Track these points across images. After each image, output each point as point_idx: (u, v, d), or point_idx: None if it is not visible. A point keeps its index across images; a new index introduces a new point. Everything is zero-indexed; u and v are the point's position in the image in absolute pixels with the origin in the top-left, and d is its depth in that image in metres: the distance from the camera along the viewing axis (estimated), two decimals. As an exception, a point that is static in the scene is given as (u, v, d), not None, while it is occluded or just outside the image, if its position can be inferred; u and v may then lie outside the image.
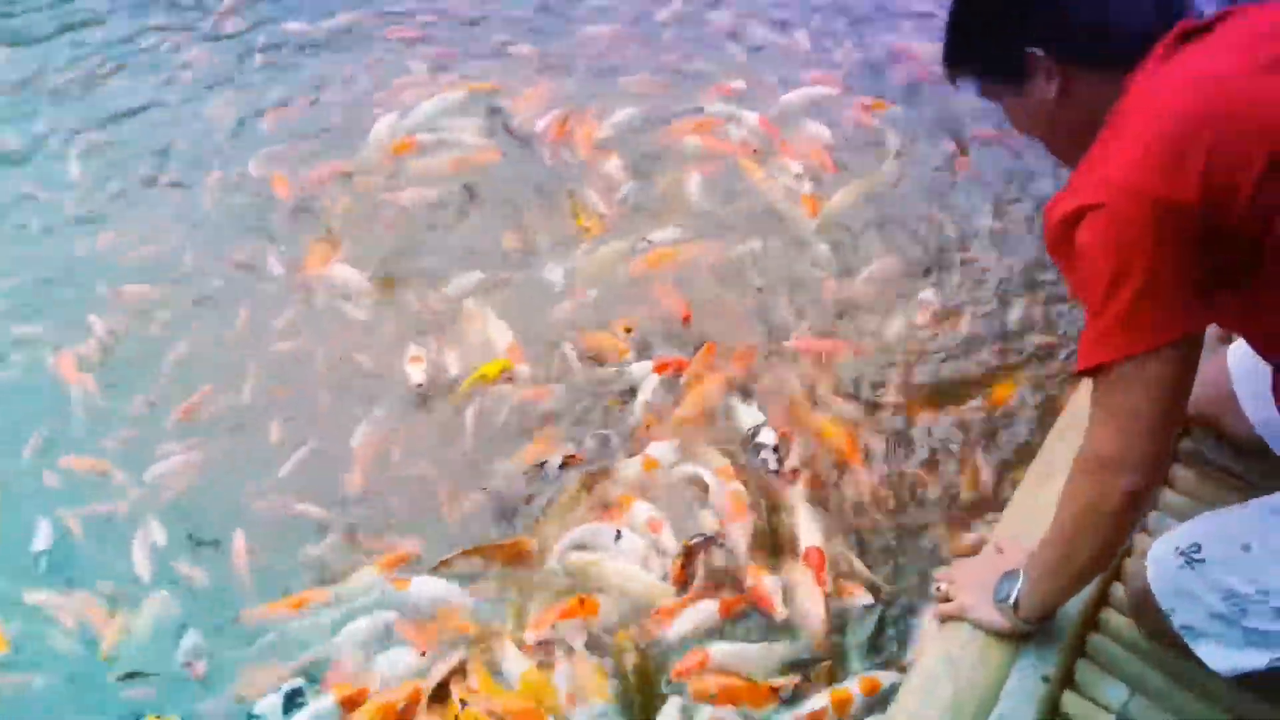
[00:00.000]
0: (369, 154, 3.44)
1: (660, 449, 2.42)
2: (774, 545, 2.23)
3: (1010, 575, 1.58)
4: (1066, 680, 1.61)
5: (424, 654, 2.07)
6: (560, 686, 2.00)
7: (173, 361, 2.80)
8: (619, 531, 2.26)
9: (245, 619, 2.21)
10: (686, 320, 2.76)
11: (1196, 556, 1.41)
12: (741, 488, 2.31)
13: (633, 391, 2.60)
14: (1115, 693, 1.60)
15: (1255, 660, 1.40)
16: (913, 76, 3.66)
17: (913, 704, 1.58)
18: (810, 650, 2.04)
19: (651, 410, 2.54)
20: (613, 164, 3.32)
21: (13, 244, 3.24)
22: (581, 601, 2.11)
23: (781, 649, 2.04)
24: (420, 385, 2.62)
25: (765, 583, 2.12)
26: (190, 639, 2.17)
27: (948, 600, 1.68)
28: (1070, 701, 1.60)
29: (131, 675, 2.12)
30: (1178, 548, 1.44)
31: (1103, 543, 1.40)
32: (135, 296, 2.99)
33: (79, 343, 2.85)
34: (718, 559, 2.19)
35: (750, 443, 2.43)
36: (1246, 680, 1.43)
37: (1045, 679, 1.59)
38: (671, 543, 2.22)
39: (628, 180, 3.26)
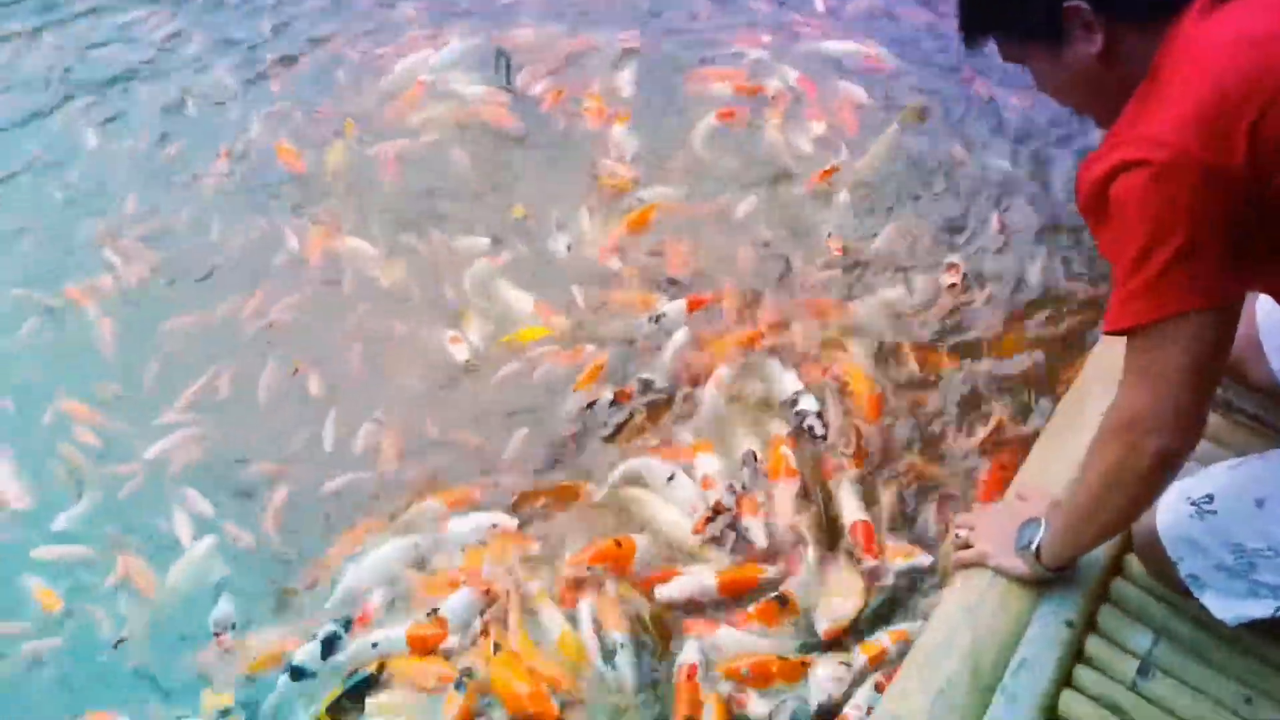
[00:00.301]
0: (375, 112, 3.45)
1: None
2: (825, 523, 2.19)
3: (1032, 522, 1.56)
4: (1090, 625, 1.60)
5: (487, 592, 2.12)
6: (584, 617, 2.04)
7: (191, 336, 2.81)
8: (673, 474, 2.27)
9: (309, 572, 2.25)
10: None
11: (1208, 508, 1.39)
12: (790, 453, 2.29)
13: (667, 334, 2.63)
14: (1140, 638, 1.58)
15: (1260, 609, 1.39)
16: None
17: (931, 651, 1.57)
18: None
19: (689, 349, 2.58)
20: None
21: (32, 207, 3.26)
22: (619, 544, 2.13)
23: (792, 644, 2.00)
24: (467, 360, 2.64)
25: (793, 583, 2.07)
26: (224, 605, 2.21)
27: (967, 547, 1.67)
28: (1094, 646, 1.58)
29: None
30: (1190, 497, 1.42)
31: (1130, 501, 1.37)
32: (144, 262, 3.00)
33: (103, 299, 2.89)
34: (757, 534, 2.15)
35: (792, 410, 2.40)
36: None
37: (1069, 624, 1.57)
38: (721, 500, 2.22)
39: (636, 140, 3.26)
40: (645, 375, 2.53)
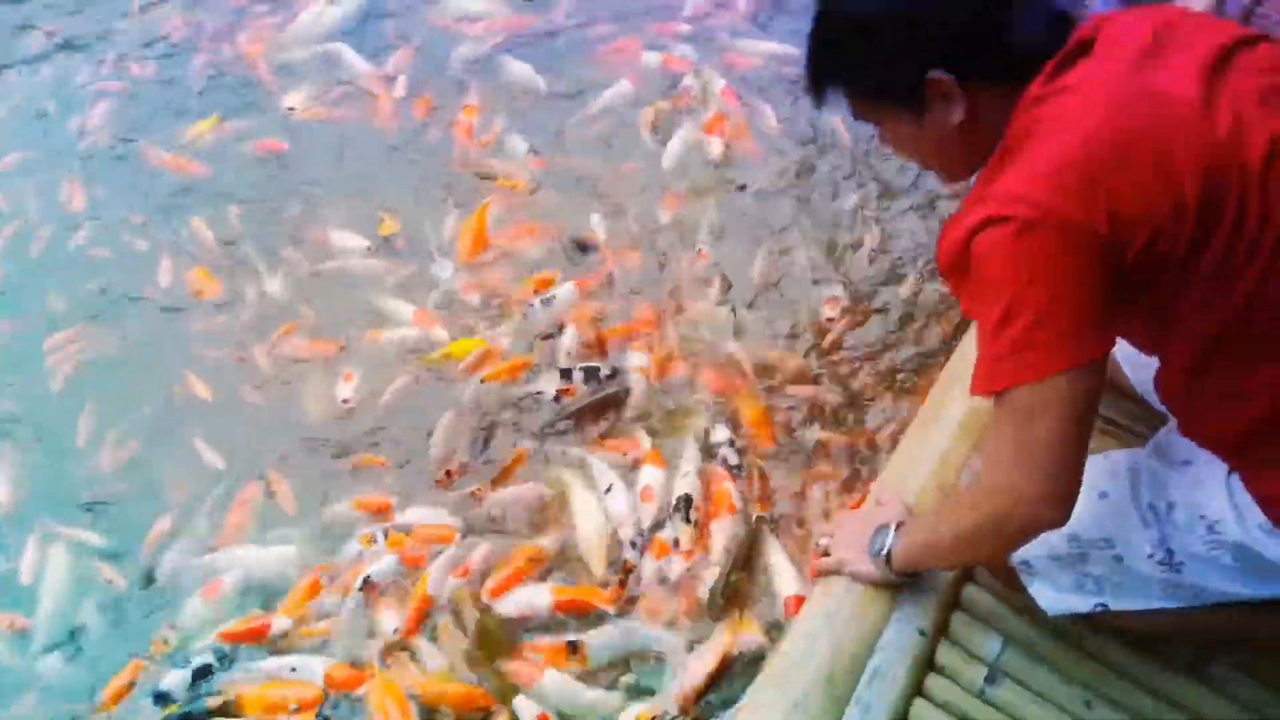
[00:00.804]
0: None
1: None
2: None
3: (884, 528, 1.57)
4: (941, 632, 1.61)
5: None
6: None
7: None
8: (611, 485, 2.26)
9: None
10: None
11: None
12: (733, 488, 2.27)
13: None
14: (990, 645, 1.60)
15: (1081, 604, 1.45)
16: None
17: (790, 660, 1.56)
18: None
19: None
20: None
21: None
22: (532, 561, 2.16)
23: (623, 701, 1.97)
24: (347, 401, 2.56)
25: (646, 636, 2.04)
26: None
27: (827, 556, 1.67)
28: (944, 653, 1.60)
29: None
30: None
31: (991, 555, 1.42)
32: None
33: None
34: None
35: (708, 441, 2.38)
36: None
37: (921, 631, 1.58)
38: (648, 519, 2.21)
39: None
40: (587, 365, 2.50)
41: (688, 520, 2.18)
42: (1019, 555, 1.45)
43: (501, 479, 2.33)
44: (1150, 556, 1.36)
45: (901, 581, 1.58)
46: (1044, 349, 1.11)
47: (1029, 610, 1.62)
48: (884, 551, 1.54)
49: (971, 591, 1.66)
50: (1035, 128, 1.13)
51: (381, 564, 2.14)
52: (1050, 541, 1.39)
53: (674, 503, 2.22)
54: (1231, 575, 1.33)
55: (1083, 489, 1.27)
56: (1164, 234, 1.09)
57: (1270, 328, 1.16)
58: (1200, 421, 1.31)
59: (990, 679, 1.57)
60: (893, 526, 1.54)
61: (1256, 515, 1.26)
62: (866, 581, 1.60)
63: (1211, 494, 1.30)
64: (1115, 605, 1.45)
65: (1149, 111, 1.10)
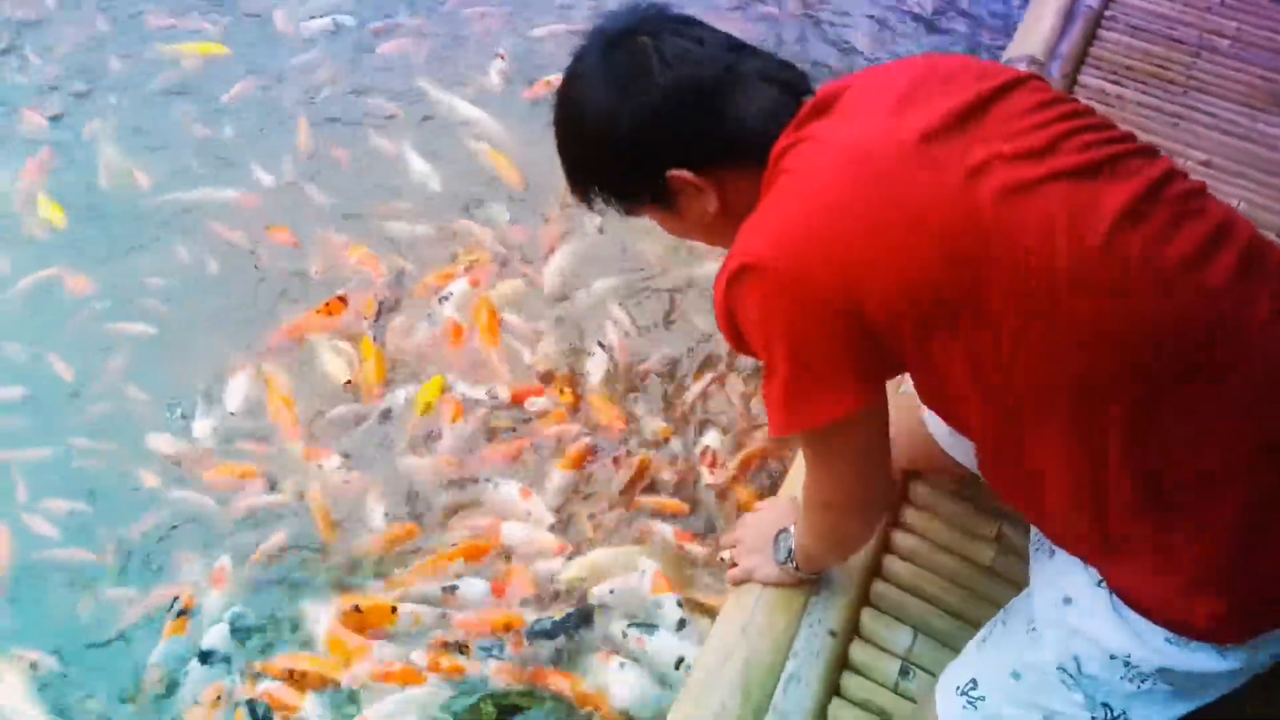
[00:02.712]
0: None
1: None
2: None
3: (785, 531, 1.57)
4: (853, 631, 1.63)
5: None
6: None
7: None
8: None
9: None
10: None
11: (974, 694, 1.34)
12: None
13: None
14: (900, 637, 1.62)
15: None
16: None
17: (706, 675, 1.55)
18: None
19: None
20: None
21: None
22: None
23: None
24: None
25: None
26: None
27: (734, 566, 1.67)
28: (858, 650, 1.61)
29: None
30: (958, 687, 1.37)
31: (851, 549, 1.48)
32: None
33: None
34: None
35: None
36: None
37: (832, 633, 1.59)
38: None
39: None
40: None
41: None
42: None
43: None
44: (1093, 718, 1.22)
45: (813, 578, 1.60)
46: (808, 402, 1.12)
47: (936, 599, 1.65)
48: (791, 554, 1.55)
49: (880, 587, 1.68)
50: (778, 180, 1.13)
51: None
52: None
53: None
54: (1172, 699, 1.18)
55: (996, 675, 1.30)
56: (900, 304, 1.06)
57: (1032, 395, 1.07)
58: (1024, 507, 1.23)
59: (904, 672, 1.58)
60: (791, 528, 1.55)
61: (1153, 631, 1.11)
62: (777, 584, 1.61)
63: (1103, 624, 1.16)
64: None
65: (885, 175, 1.06)
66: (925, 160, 1.06)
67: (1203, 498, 1.06)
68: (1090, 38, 2.91)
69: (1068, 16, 2.93)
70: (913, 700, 1.56)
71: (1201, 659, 1.10)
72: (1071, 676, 1.21)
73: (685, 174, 1.19)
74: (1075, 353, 1.03)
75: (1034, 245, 1.02)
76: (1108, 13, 3.02)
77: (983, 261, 1.03)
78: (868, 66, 1.24)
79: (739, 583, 1.66)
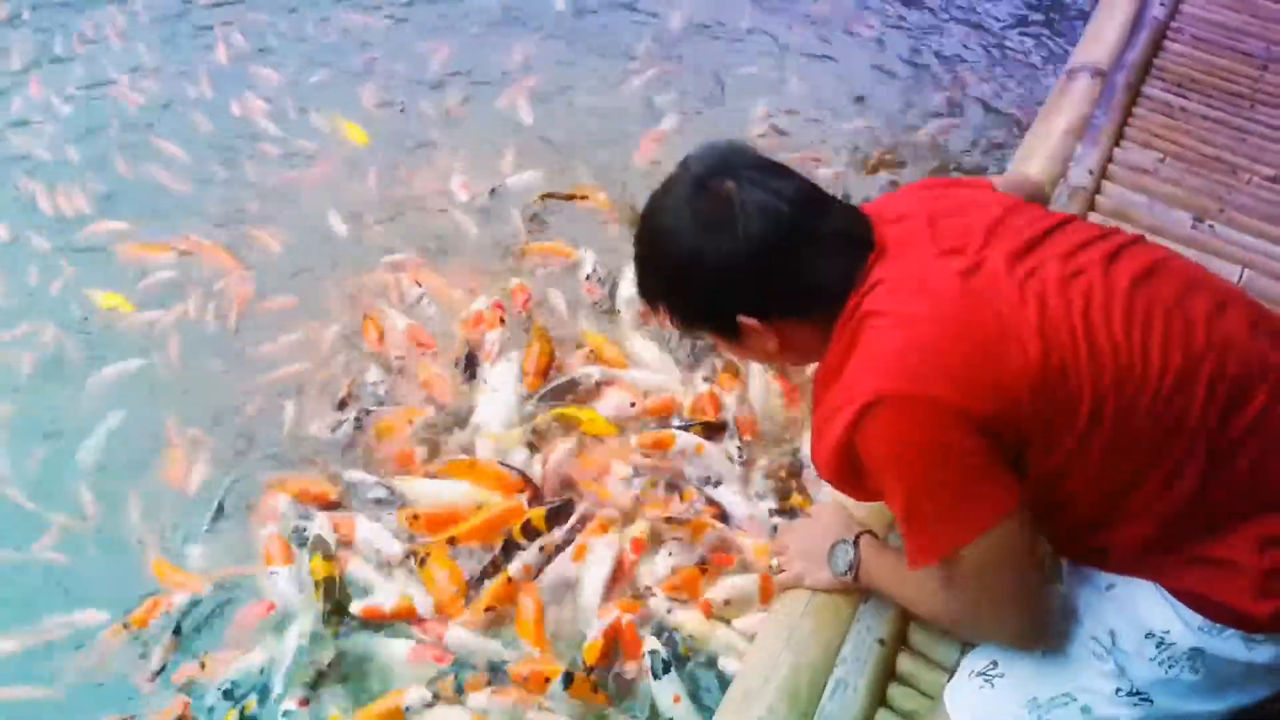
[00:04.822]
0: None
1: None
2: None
3: (842, 544, 1.58)
4: (901, 641, 1.63)
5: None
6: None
7: None
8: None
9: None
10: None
11: (994, 673, 1.39)
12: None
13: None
14: (948, 652, 1.62)
15: None
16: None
17: (753, 679, 1.56)
18: None
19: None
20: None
21: None
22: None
23: None
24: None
25: None
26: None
27: (782, 572, 1.68)
28: (905, 662, 1.62)
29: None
30: (973, 670, 1.42)
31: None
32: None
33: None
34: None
35: None
36: None
37: (881, 641, 1.60)
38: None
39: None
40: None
41: None
42: None
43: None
44: (1118, 692, 1.29)
45: (862, 589, 1.60)
46: (960, 511, 1.17)
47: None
48: (851, 567, 1.55)
49: (928, 599, 1.68)
50: (868, 322, 1.20)
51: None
52: (1012, 715, 1.35)
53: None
54: (1198, 692, 1.26)
55: (1019, 652, 1.35)
56: (1009, 418, 1.14)
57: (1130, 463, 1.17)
58: (1095, 549, 1.29)
59: (951, 684, 1.58)
60: (851, 541, 1.56)
61: (1192, 615, 1.21)
62: (828, 590, 1.62)
63: (1149, 604, 1.24)
64: None
65: (977, 304, 1.16)
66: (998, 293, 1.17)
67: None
68: (1155, 48, 2.88)
69: (1134, 26, 2.89)
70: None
71: (1231, 646, 1.19)
72: (1104, 648, 1.28)
73: (754, 322, 1.28)
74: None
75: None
76: (1174, 24, 2.98)
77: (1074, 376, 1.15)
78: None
79: (786, 587, 1.67)
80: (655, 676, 1.93)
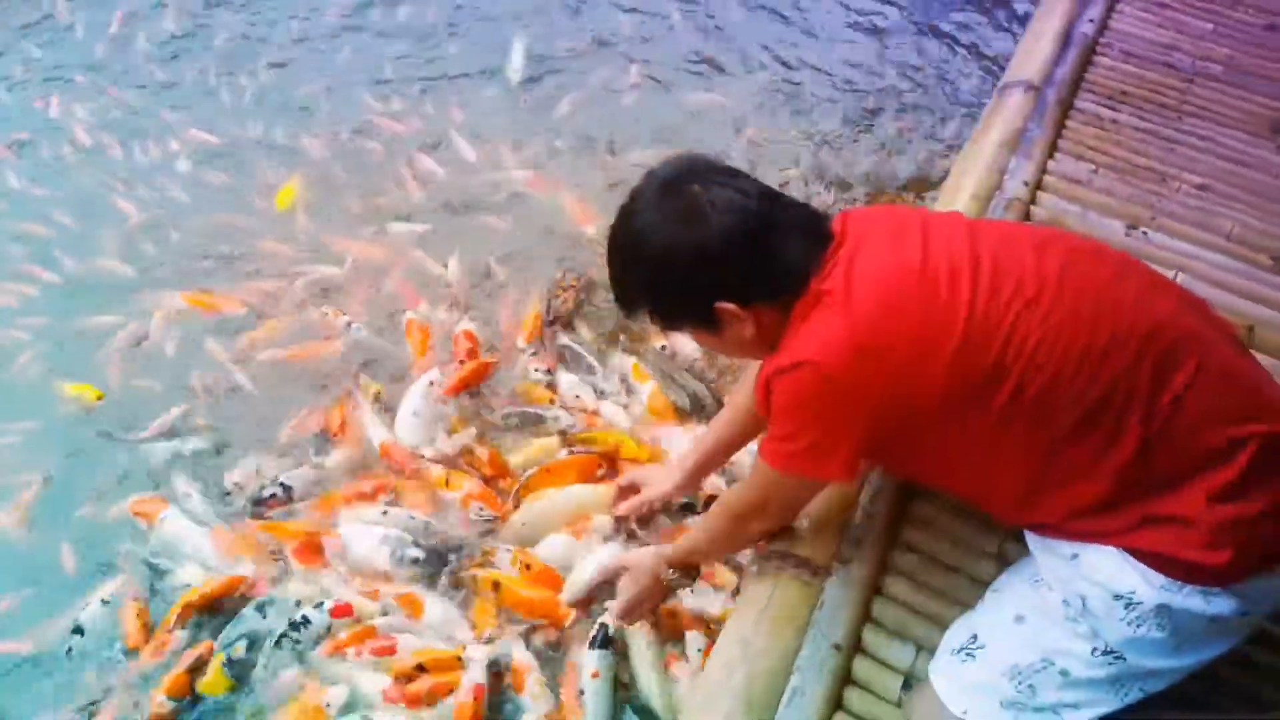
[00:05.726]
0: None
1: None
2: None
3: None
4: (856, 646, 1.64)
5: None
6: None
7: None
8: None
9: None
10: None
11: (974, 646, 1.45)
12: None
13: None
14: (903, 654, 1.63)
15: None
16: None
17: (710, 688, 1.57)
18: None
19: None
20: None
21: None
22: None
23: None
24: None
25: None
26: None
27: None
28: (860, 665, 1.63)
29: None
30: (954, 648, 1.48)
31: (728, 552, 1.98)
32: None
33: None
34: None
35: None
36: None
37: (836, 647, 1.61)
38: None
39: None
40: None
41: None
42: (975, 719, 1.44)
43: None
44: (1093, 653, 1.36)
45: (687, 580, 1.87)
46: (808, 462, 1.41)
47: (938, 616, 1.66)
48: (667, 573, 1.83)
49: (881, 605, 1.70)
50: (820, 301, 1.35)
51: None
52: (996, 687, 1.41)
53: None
54: (1165, 649, 1.33)
55: (997, 623, 1.45)
56: (921, 402, 1.33)
57: (1063, 416, 1.30)
58: (1052, 518, 1.38)
59: (906, 686, 1.59)
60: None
61: (1155, 574, 1.29)
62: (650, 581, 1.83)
63: (1114, 568, 1.32)
64: None
65: (911, 290, 1.33)
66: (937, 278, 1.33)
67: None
68: (1086, 63, 2.96)
69: (1064, 43, 2.98)
70: (915, 715, 1.58)
71: (1193, 601, 1.28)
72: (1077, 612, 1.36)
73: (732, 307, 1.38)
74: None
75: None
76: (1102, 40, 3.07)
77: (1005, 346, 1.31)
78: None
79: (625, 615, 1.90)
80: (592, 646, 1.97)
